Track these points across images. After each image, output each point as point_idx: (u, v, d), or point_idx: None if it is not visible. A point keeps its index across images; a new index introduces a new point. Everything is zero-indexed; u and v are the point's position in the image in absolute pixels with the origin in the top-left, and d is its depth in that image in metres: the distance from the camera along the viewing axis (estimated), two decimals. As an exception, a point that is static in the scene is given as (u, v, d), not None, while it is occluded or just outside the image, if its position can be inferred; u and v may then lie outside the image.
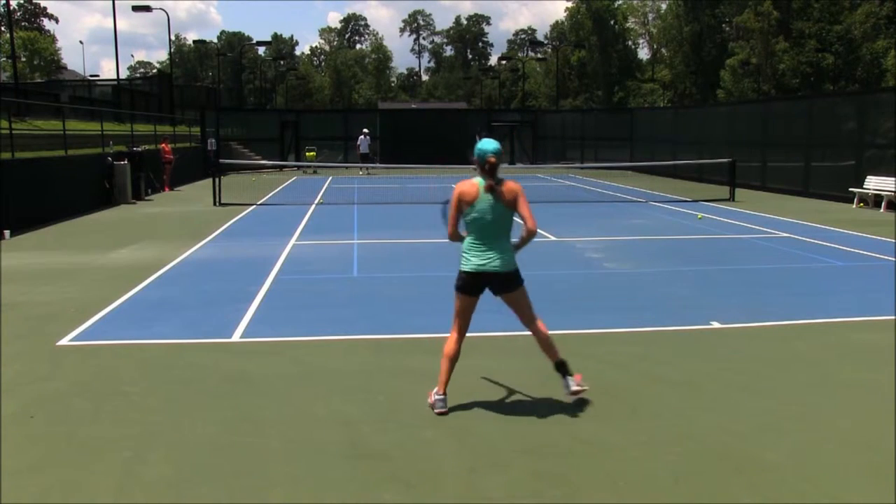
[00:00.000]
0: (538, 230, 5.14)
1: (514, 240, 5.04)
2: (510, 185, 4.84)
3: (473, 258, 4.87)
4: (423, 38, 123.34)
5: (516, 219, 5.00)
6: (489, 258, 4.86)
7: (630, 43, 78.88)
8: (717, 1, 58.76)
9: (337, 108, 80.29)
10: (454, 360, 5.00)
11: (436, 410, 4.91)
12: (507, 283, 4.94)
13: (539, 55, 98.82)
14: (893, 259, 10.58)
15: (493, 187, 4.77)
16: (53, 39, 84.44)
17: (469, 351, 6.26)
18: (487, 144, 4.84)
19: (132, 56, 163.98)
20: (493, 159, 4.78)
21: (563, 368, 5.02)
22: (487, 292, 5.04)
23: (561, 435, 4.56)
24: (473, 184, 4.83)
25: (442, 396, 4.94)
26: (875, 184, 17.90)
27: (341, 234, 13.53)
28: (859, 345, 6.47)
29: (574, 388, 4.98)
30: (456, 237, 4.97)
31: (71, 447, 4.41)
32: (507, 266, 4.90)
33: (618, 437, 4.50)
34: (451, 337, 5.05)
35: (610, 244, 12.18)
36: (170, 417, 4.86)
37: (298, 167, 33.98)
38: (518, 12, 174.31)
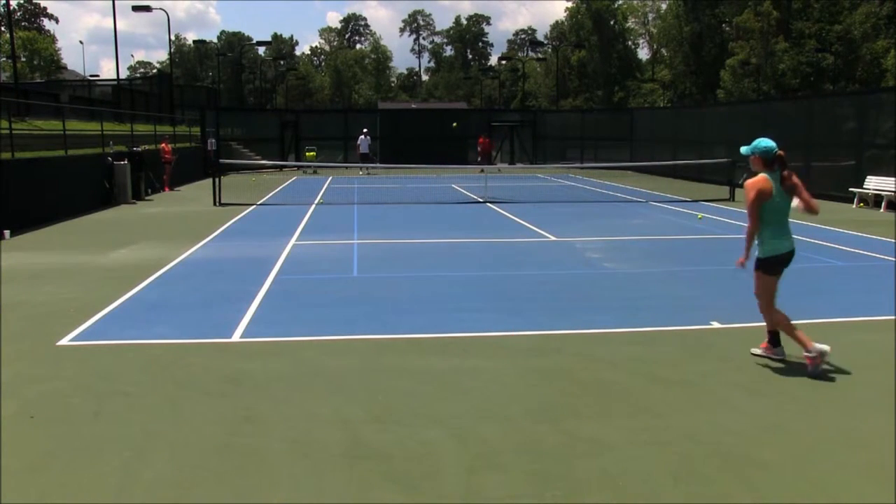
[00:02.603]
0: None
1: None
2: (794, 176, 5.60)
3: (784, 241, 5.65)
4: (423, 38, 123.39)
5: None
6: (791, 240, 5.69)
7: (630, 43, 78.89)
8: (717, 1, 58.74)
9: (337, 108, 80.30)
10: (789, 320, 5.70)
11: (825, 356, 5.55)
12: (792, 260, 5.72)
13: (539, 55, 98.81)
14: (893, 259, 10.58)
15: (788, 177, 5.54)
16: (53, 39, 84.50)
17: (467, 351, 6.27)
18: (769, 142, 5.59)
19: (132, 56, 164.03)
20: (782, 153, 5.59)
21: (775, 338, 5.86)
22: None
23: (561, 435, 4.56)
24: (764, 179, 5.54)
25: (817, 345, 5.54)
26: (875, 184, 17.91)
27: (341, 234, 13.53)
28: (859, 345, 6.47)
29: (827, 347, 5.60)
30: (755, 232, 5.68)
31: (71, 447, 4.41)
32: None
33: (618, 437, 4.51)
34: (776, 311, 5.77)
35: (610, 244, 12.18)
36: (170, 417, 4.86)
37: (298, 167, 33.98)
38: (517, 12, 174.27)
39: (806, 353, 5.60)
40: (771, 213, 5.57)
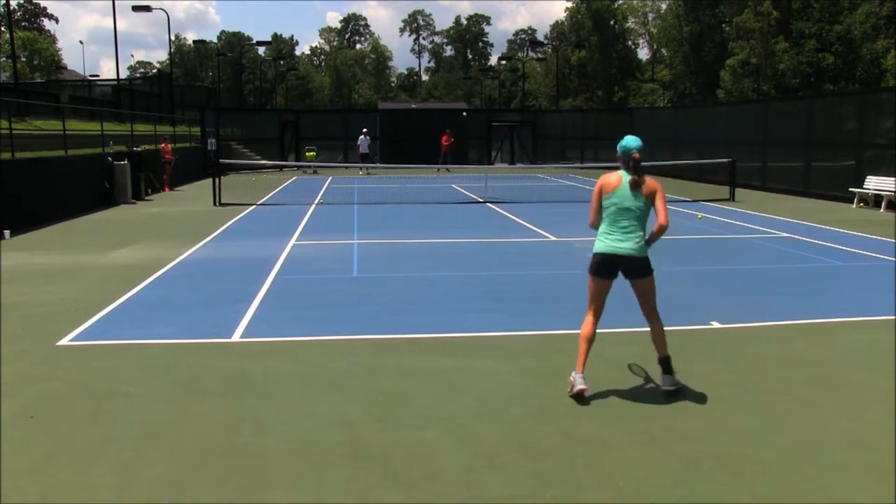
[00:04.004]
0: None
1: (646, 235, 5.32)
2: (650, 181, 5.18)
3: (607, 240, 5.19)
4: (423, 38, 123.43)
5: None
6: (622, 242, 5.16)
7: (630, 43, 78.88)
8: (717, 1, 58.74)
9: (337, 108, 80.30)
10: (590, 340, 5.25)
11: (575, 389, 5.07)
12: (637, 269, 5.22)
13: (539, 55, 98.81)
14: (893, 259, 10.58)
15: (638, 181, 5.11)
16: (53, 39, 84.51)
17: (467, 351, 6.27)
18: (632, 142, 5.19)
19: (132, 56, 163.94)
20: (637, 155, 5.14)
21: (665, 364, 5.27)
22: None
23: (561, 435, 4.56)
24: (618, 175, 5.20)
25: (581, 376, 5.13)
26: (875, 184, 17.91)
27: (341, 234, 13.53)
28: (859, 345, 6.47)
29: (670, 387, 5.19)
30: (596, 226, 5.35)
31: (71, 447, 4.41)
32: (640, 252, 5.19)
33: (618, 437, 4.50)
34: (586, 319, 5.32)
35: (610, 244, 12.16)
36: (170, 417, 4.86)
37: (298, 167, 33.99)
38: (517, 12, 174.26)
39: (575, 376, 5.14)
40: (608, 209, 5.20)
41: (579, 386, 5.06)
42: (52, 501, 3.78)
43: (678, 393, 5.20)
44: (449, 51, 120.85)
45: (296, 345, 6.50)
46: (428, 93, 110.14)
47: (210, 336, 6.77)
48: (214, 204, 18.56)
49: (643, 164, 5.16)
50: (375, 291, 8.63)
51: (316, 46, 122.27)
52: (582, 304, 8.09)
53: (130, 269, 10.01)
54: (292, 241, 12.50)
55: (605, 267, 5.21)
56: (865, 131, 19.06)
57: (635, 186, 5.11)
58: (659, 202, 5.19)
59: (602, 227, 5.26)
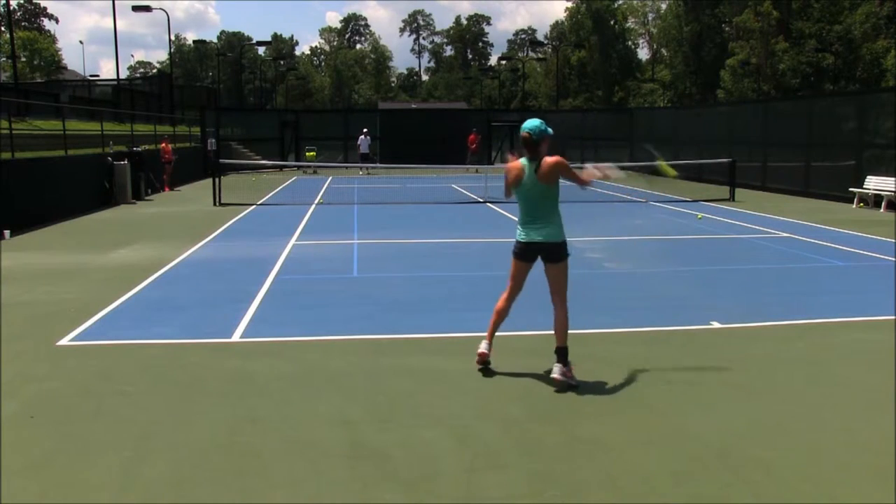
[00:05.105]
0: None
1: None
2: (547, 161, 5.16)
3: (522, 230, 5.38)
4: (423, 38, 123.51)
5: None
6: (533, 231, 5.32)
7: (630, 43, 78.91)
8: (717, 1, 58.75)
9: (337, 108, 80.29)
10: (501, 314, 5.60)
11: (477, 350, 5.58)
12: (551, 254, 5.32)
13: (539, 55, 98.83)
14: (893, 259, 10.58)
15: (533, 164, 5.16)
16: (53, 39, 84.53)
17: (467, 351, 6.26)
18: (526, 123, 5.21)
19: (132, 56, 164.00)
20: (525, 135, 5.15)
21: (560, 354, 5.32)
22: None
23: (561, 435, 4.56)
24: (520, 161, 5.26)
25: (486, 342, 5.59)
26: (875, 184, 17.91)
27: (341, 234, 13.52)
28: (859, 345, 6.47)
29: (556, 375, 5.24)
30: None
31: (71, 447, 4.41)
32: (550, 237, 5.30)
33: (618, 437, 4.50)
34: (502, 295, 5.58)
35: (610, 244, 12.17)
36: (170, 417, 4.86)
37: (298, 167, 33.99)
38: (517, 12, 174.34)
39: (483, 342, 5.61)
40: (517, 198, 5.37)
41: (479, 349, 5.56)
42: (52, 501, 3.78)
43: (567, 388, 5.23)
44: (449, 51, 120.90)
45: (296, 345, 6.50)
46: (428, 93, 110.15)
47: (210, 336, 6.77)
48: (214, 204, 18.56)
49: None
50: (375, 291, 8.63)
51: (316, 46, 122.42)
52: (583, 304, 8.12)
53: (130, 269, 10.01)
54: (292, 241, 12.50)
55: (524, 253, 5.42)
56: (865, 131, 19.06)
57: (533, 168, 5.19)
58: (566, 175, 5.28)
59: (518, 217, 5.51)
